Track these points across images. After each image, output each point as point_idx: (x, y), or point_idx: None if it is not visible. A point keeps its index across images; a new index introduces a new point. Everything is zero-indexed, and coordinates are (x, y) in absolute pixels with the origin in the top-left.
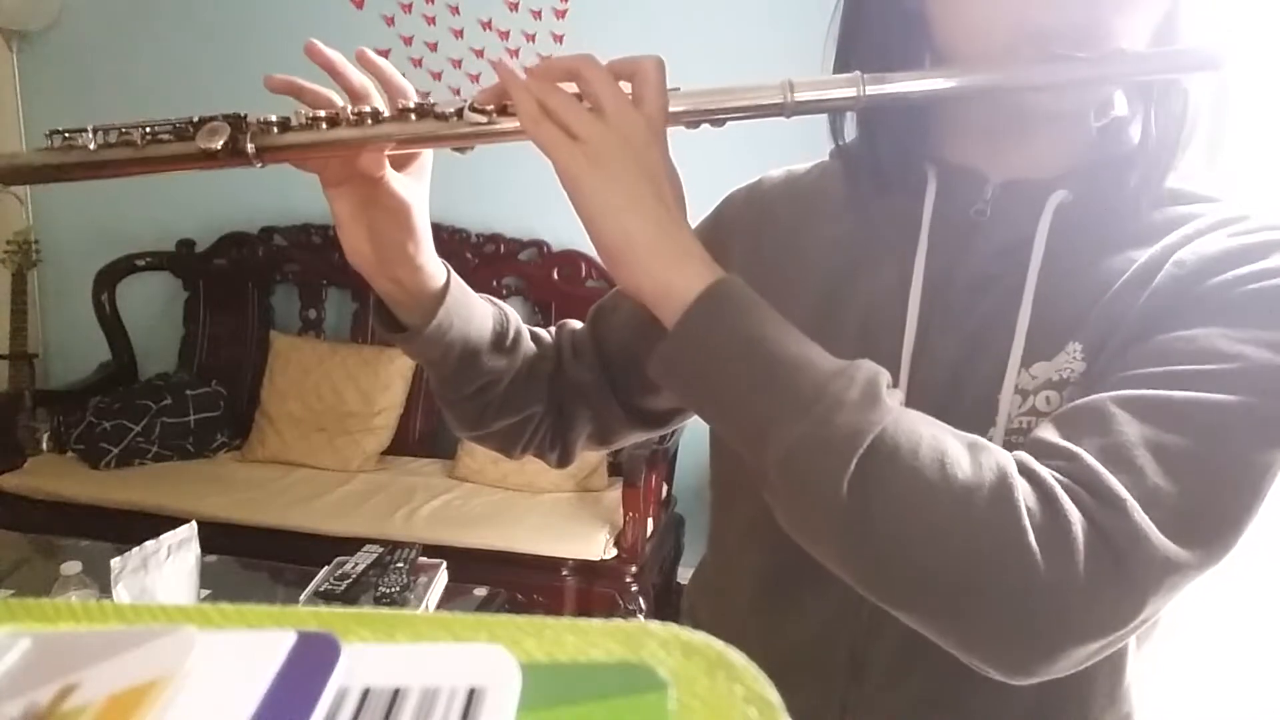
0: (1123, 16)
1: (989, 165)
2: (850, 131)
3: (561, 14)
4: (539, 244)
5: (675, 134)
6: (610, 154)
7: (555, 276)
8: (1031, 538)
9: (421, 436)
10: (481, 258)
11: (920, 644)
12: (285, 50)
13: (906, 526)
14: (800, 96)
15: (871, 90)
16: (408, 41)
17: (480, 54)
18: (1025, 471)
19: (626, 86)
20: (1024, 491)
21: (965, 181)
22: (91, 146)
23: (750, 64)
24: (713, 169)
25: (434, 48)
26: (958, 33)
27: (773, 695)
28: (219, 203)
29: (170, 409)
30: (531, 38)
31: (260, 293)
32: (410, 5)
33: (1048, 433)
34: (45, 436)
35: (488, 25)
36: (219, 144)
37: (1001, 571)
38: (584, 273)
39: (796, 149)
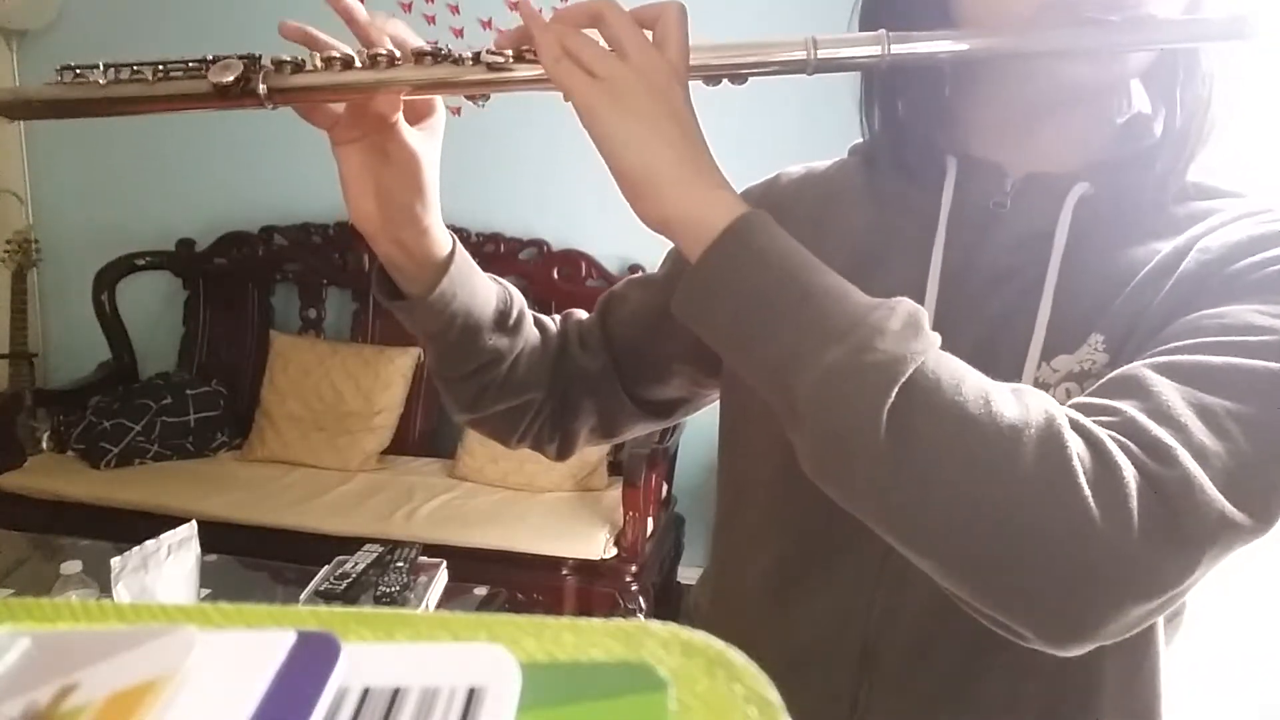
0: None
1: (1009, 159)
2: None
3: None
4: (539, 244)
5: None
6: (632, 90)
7: (555, 276)
8: (1084, 483)
9: (421, 436)
10: (481, 257)
11: (931, 640)
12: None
13: (949, 462)
14: (824, 53)
15: (897, 49)
16: None
17: None
18: (1071, 422)
19: (649, 35)
20: (1073, 439)
21: (985, 174)
22: (102, 82)
23: None
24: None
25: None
26: (984, 1)
27: (773, 695)
28: (219, 202)
29: (170, 408)
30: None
31: (260, 292)
32: (410, 5)
33: (1086, 398)
34: (45, 436)
35: (488, 24)
36: (230, 78)
37: (1053, 517)
38: (584, 272)
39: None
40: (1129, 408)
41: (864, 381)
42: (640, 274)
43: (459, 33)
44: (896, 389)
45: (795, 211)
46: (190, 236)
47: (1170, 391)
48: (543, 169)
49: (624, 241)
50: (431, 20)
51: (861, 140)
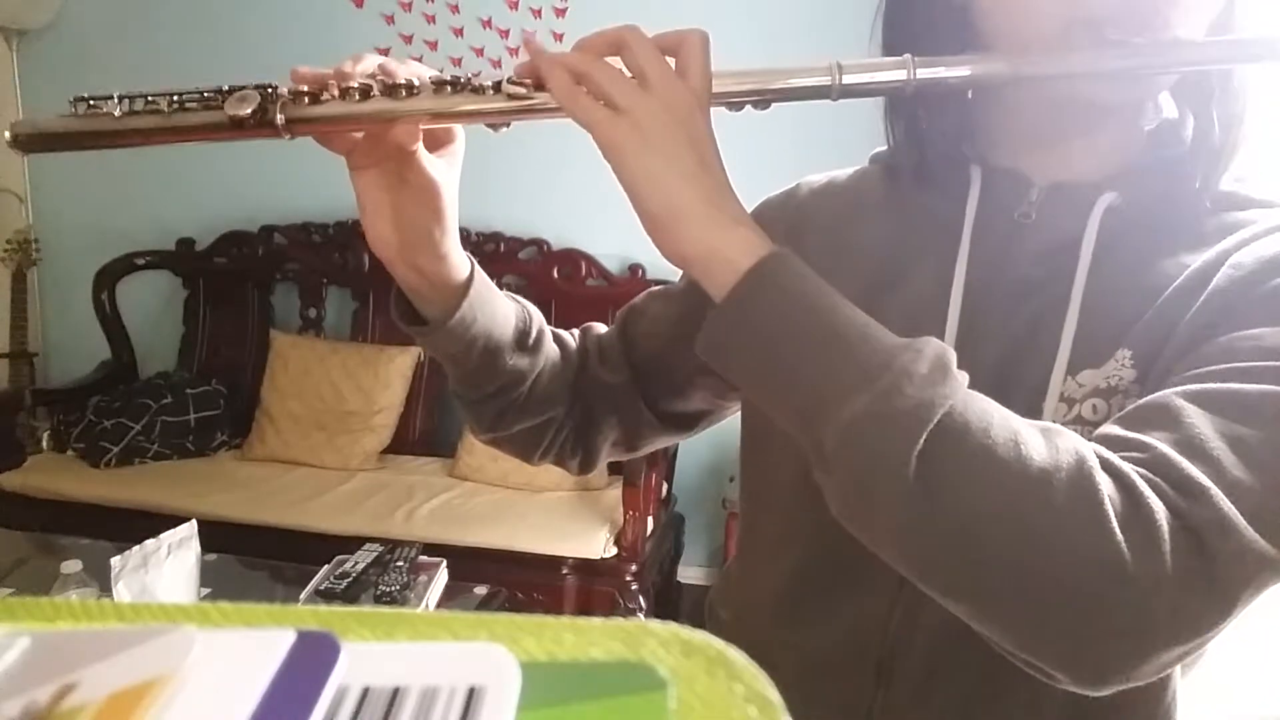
0: (1179, 6)
1: (1035, 168)
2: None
3: (561, 12)
4: (539, 243)
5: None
6: (655, 122)
7: (555, 275)
8: (1116, 526)
9: (422, 435)
10: (481, 256)
11: (949, 655)
12: (286, 49)
13: (979, 509)
14: (849, 79)
15: (923, 74)
16: (408, 40)
17: (480, 52)
18: (1102, 461)
19: (672, 63)
20: (1104, 480)
21: (1009, 184)
22: (117, 114)
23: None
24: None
25: (434, 46)
26: (1008, 18)
27: (773, 694)
28: (219, 201)
29: (170, 408)
30: (531, 36)
31: (260, 291)
32: (410, 4)
33: (1114, 429)
34: (45, 435)
35: (488, 24)
36: (248, 111)
37: (1084, 561)
38: (584, 272)
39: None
40: (1159, 442)
41: (893, 429)
42: (660, 287)
43: (459, 32)
44: (925, 435)
45: (816, 222)
46: (190, 236)
47: (1202, 422)
48: (543, 168)
49: (624, 241)
50: (431, 20)
51: (883, 149)
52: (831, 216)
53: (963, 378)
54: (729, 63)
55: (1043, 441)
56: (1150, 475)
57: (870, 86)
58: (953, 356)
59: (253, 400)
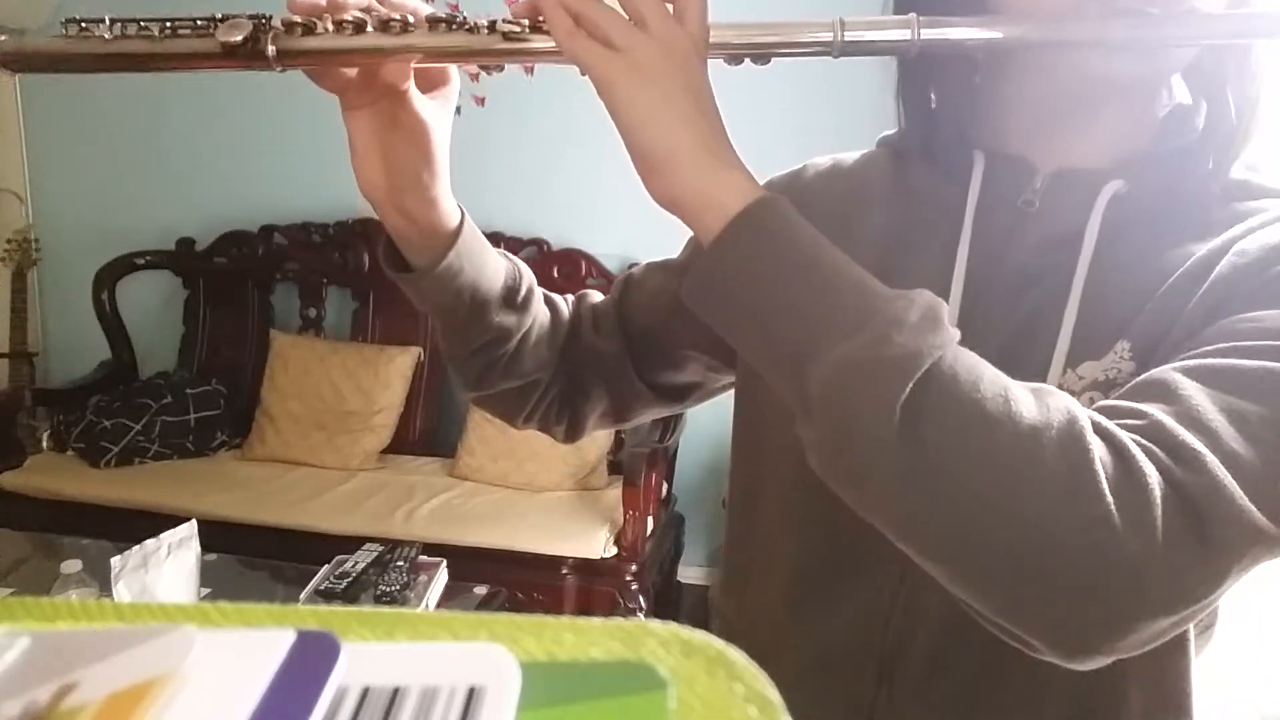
0: None
1: (1040, 154)
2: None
3: None
4: (539, 242)
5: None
6: (651, 62)
7: (555, 275)
8: (1106, 488)
9: (422, 435)
10: None
11: (951, 649)
12: None
13: (963, 462)
14: (851, 35)
15: (927, 35)
16: None
17: None
18: (1095, 426)
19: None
20: (1096, 443)
21: (1013, 170)
22: (107, 36)
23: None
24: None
25: None
26: None
27: (773, 694)
28: (219, 201)
29: (170, 407)
30: None
31: (260, 291)
32: None
33: (1111, 401)
34: (45, 435)
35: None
36: (239, 38)
37: (1072, 523)
38: (584, 271)
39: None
40: (1156, 411)
41: (879, 375)
42: (659, 259)
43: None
44: (912, 384)
45: (820, 206)
46: (190, 236)
47: (1200, 395)
48: (543, 168)
49: (624, 241)
50: None
51: (890, 132)
52: (836, 201)
53: (954, 333)
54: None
55: (1033, 400)
56: (1144, 441)
57: (873, 44)
58: (944, 308)
59: (253, 400)
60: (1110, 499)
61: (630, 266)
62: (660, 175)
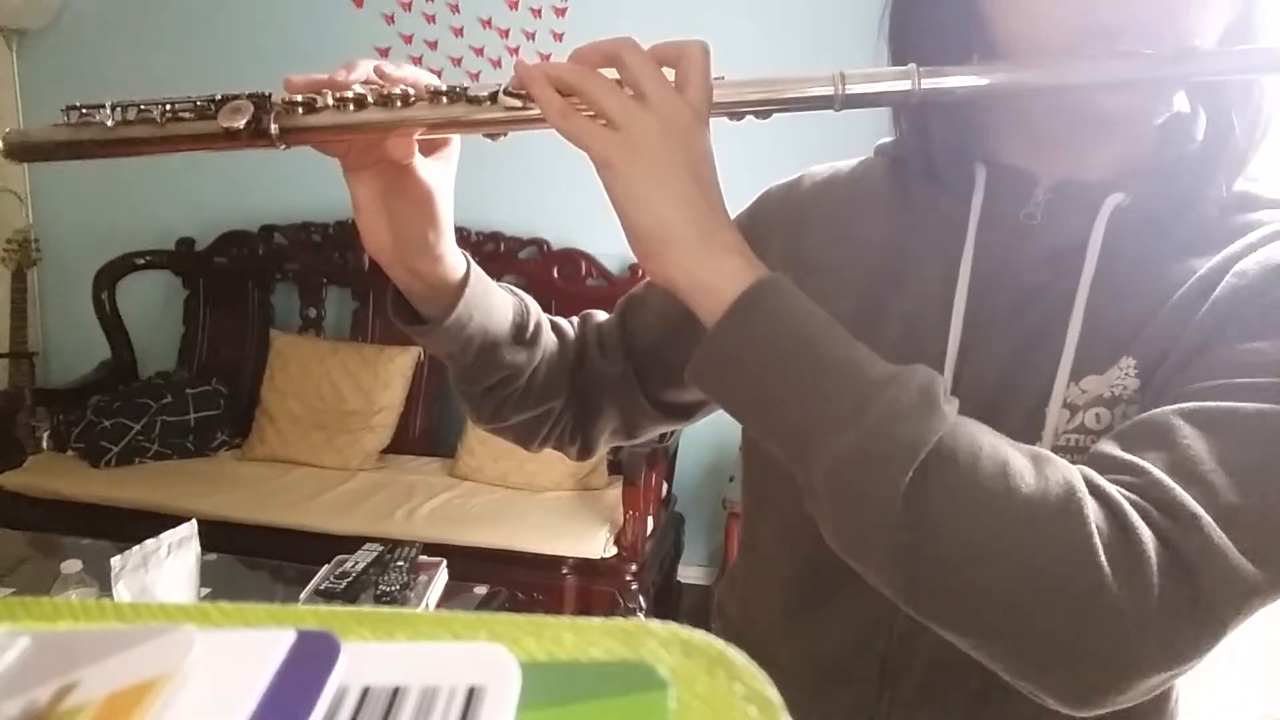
0: (1193, 15)
1: (1041, 166)
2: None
3: (561, 12)
4: (539, 242)
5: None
6: (650, 140)
7: (555, 275)
8: (1102, 556)
9: (422, 435)
10: (481, 256)
11: (953, 659)
12: (286, 48)
13: (966, 541)
14: (852, 89)
15: (927, 84)
16: (408, 40)
17: (480, 52)
18: (1091, 487)
19: (670, 74)
20: (1092, 508)
21: (1015, 183)
22: (109, 123)
23: (755, 67)
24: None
25: (434, 46)
26: (1018, 29)
27: (773, 694)
28: (219, 201)
29: (170, 407)
30: (531, 36)
31: (260, 291)
32: (410, 3)
33: (1109, 448)
34: (45, 435)
35: (488, 23)
36: (241, 123)
37: (1070, 592)
38: (584, 271)
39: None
40: (1153, 466)
41: (879, 468)
42: None
43: (459, 31)
44: (910, 473)
45: (819, 216)
46: (190, 236)
47: (1198, 443)
48: (542, 168)
49: (624, 241)
50: (431, 19)
51: (887, 140)
52: (835, 210)
53: (951, 406)
54: (728, 62)
55: (1032, 470)
56: (1140, 501)
57: (874, 97)
58: (941, 385)
59: (253, 400)
60: (1107, 568)
61: (630, 266)
62: (655, 258)
